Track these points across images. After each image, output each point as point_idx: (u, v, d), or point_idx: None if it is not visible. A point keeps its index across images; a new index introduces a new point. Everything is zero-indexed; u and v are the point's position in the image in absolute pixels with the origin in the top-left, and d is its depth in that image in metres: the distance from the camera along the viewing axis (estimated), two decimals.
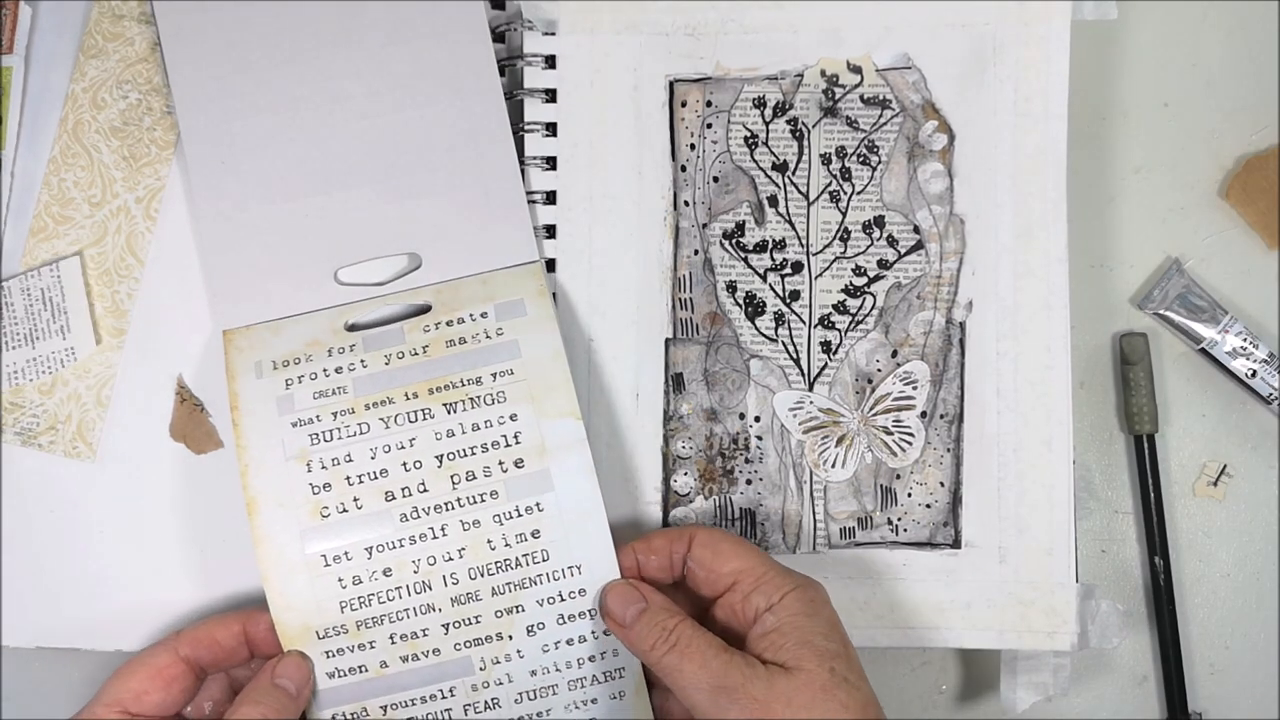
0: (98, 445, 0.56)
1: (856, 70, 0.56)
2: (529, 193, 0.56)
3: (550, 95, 0.56)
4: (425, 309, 0.54)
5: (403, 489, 0.52)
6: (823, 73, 0.56)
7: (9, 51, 0.57)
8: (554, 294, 0.55)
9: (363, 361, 0.53)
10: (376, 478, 0.52)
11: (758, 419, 0.56)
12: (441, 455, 0.52)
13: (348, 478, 0.52)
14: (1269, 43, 0.59)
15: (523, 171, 0.56)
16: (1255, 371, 0.57)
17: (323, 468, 0.52)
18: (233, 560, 0.55)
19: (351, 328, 0.54)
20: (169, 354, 0.56)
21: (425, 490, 0.52)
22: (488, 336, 0.53)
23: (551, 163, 0.56)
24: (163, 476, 0.56)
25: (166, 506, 0.56)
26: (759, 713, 0.46)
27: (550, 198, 0.56)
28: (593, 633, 0.52)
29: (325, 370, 0.53)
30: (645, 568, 0.52)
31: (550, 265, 0.56)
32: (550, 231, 0.56)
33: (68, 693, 0.57)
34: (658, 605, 0.50)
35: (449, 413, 0.52)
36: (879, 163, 0.56)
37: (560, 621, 0.52)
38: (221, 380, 0.54)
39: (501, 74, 0.56)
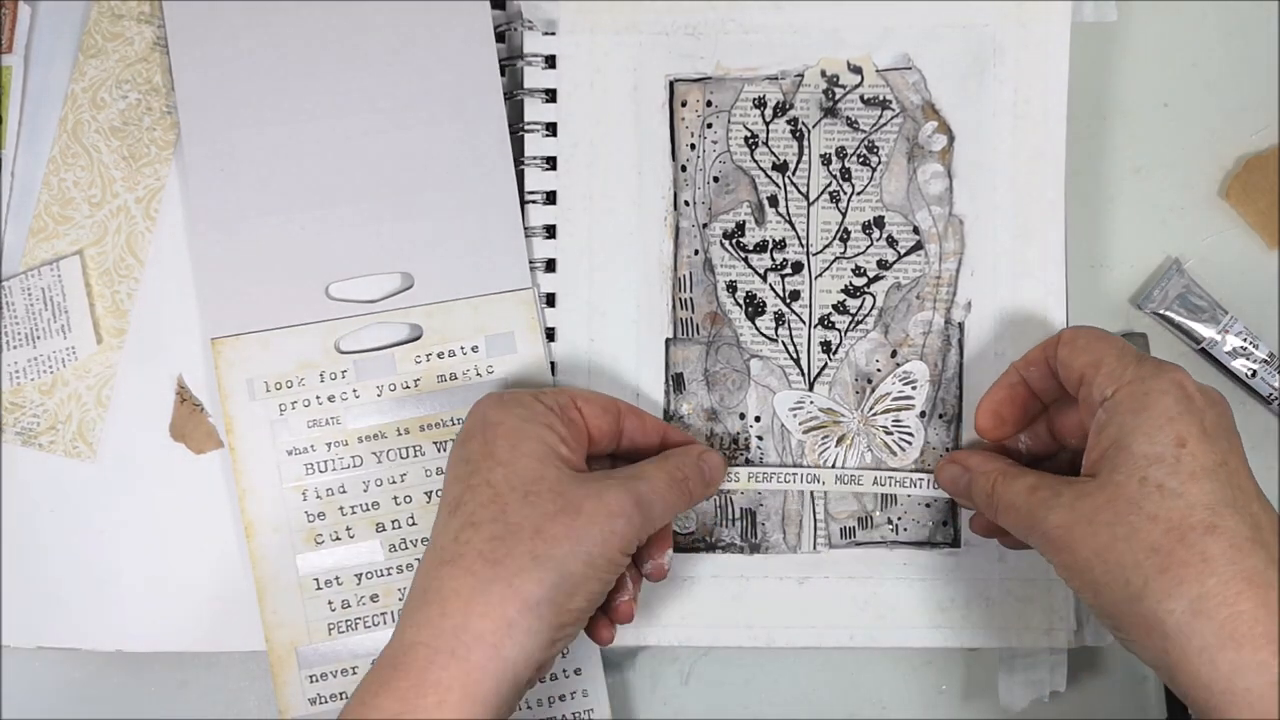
0: (98, 445, 0.56)
1: (857, 70, 0.56)
2: (529, 193, 0.56)
3: (550, 95, 0.56)
4: (416, 332, 0.55)
5: (392, 521, 0.54)
6: (823, 73, 0.56)
7: (9, 51, 0.57)
8: (549, 329, 0.56)
9: (355, 391, 0.54)
10: (368, 509, 0.54)
11: (758, 419, 0.56)
12: (430, 492, 0.54)
13: (340, 508, 0.54)
14: (1269, 43, 0.59)
15: (522, 171, 0.56)
16: (1255, 371, 0.57)
17: (318, 497, 0.54)
18: (233, 560, 0.55)
19: (342, 350, 0.55)
20: (169, 354, 0.56)
21: (414, 524, 0.54)
22: (478, 375, 0.54)
23: (551, 163, 0.56)
24: (163, 476, 0.56)
25: (166, 506, 0.56)
26: (1064, 541, 0.45)
27: (550, 198, 0.56)
28: (564, 671, 0.53)
29: (318, 397, 0.54)
30: (1030, 381, 0.52)
31: (550, 265, 0.56)
32: (550, 231, 0.56)
33: (68, 693, 0.57)
34: (977, 470, 0.50)
35: (439, 450, 0.54)
36: (879, 163, 0.56)
37: None
38: None
39: (501, 74, 0.56)
